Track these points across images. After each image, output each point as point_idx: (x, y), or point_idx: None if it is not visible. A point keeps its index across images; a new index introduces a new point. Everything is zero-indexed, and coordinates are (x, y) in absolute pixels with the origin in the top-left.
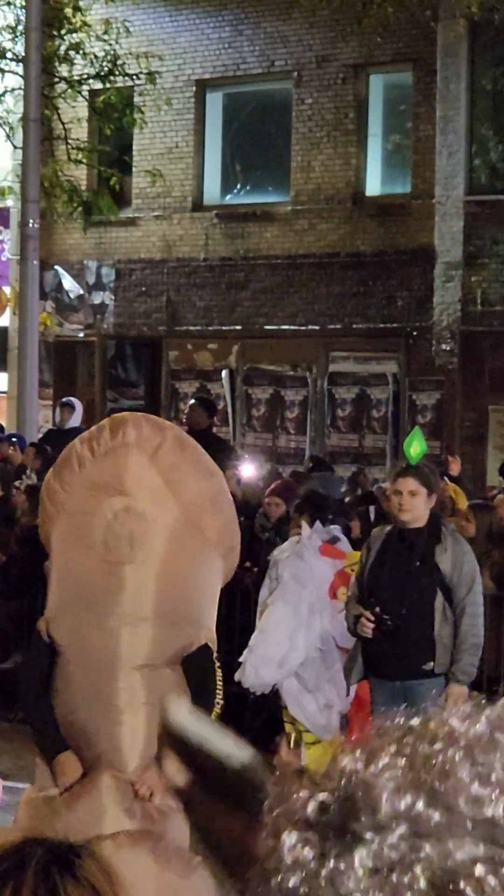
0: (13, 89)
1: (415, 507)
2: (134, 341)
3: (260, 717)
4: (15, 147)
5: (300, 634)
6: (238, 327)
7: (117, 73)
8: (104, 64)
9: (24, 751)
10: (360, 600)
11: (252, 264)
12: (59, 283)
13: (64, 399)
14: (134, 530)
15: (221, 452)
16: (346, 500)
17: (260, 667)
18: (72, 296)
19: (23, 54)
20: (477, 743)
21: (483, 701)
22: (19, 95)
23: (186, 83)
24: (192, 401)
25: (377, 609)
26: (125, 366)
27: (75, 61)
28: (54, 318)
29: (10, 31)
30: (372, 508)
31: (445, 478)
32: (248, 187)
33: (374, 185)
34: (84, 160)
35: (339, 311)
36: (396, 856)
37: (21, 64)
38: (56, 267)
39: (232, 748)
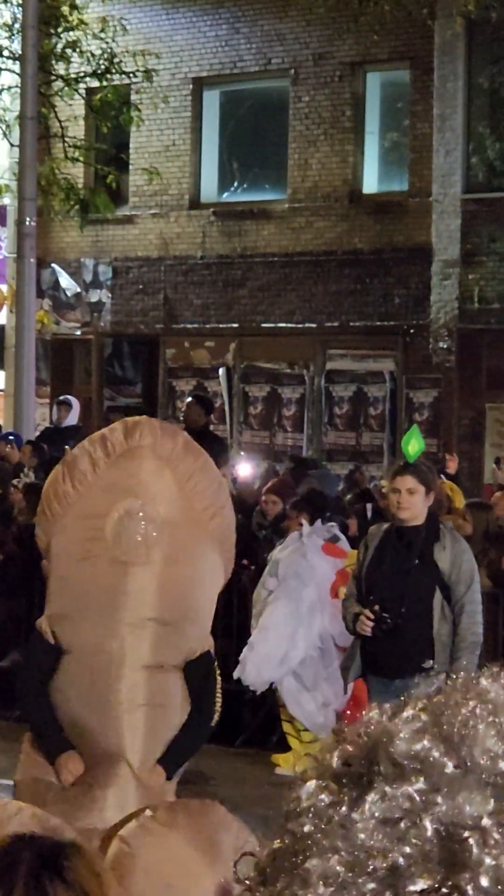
0: (10, 87)
1: (413, 505)
2: (131, 339)
3: (257, 715)
4: (12, 145)
5: (301, 632)
6: (235, 325)
7: (114, 71)
8: (101, 62)
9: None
10: (359, 599)
11: (249, 262)
12: (56, 281)
13: (61, 397)
14: (148, 532)
15: (218, 451)
16: (347, 497)
17: (261, 664)
18: (69, 294)
19: (19, 52)
20: (502, 702)
21: None
22: (16, 93)
23: (183, 81)
24: (190, 399)
25: (377, 607)
26: (122, 364)
27: (72, 59)
28: (51, 316)
29: (7, 28)
30: (369, 506)
31: (442, 476)
32: (245, 185)
33: (371, 183)
34: (81, 158)
35: (337, 308)
36: (408, 806)
37: (18, 62)
38: (53, 265)
39: None
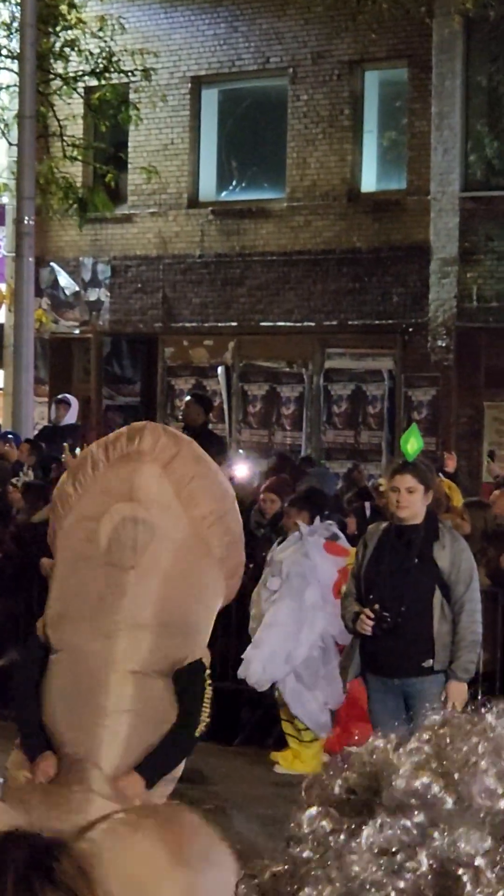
0: (8, 86)
1: (412, 503)
2: (130, 338)
3: (255, 714)
4: (10, 144)
5: (304, 631)
6: (234, 324)
7: (112, 69)
8: (99, 61)
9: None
10: (357, 598)
11: (248, 261)
12: (55, 280)
13: (59, 396)
14: (139, 537)
15: (217, 450)
16: (346, 495)
17: (267, 662)
18: (67, 292)
19: (18, 51)
20: None
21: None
22: (14, 92)
23: (182, 80)
24: (188, 397)
25: (377, 606)
26: (121, 362)
27: (70, 58)
28: (50, 314)
29: (6, 27)
30: (368, 505)
31: (441, 474)
32: (243, 184)
33: (369, 182)
34: (79, 157)
35: (335, 307)
36: (406, 839)
37: (16, 61)
38: (52, 264)
39: None
